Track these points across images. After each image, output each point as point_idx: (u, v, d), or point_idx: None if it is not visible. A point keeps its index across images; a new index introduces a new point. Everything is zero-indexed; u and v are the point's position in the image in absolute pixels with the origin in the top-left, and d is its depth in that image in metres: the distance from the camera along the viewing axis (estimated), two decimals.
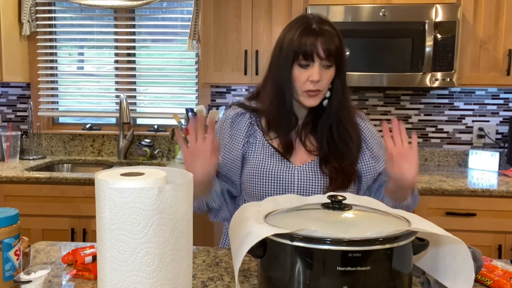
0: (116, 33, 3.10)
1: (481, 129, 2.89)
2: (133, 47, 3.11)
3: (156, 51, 3.16)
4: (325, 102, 1.33)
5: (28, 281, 0.90)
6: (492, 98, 2.88)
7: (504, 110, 2.88)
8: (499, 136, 2.89)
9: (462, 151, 2.90)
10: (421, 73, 2.46)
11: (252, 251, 0.84)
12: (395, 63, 2.48)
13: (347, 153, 1.34)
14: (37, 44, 3.08)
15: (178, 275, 0.79)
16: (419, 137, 2.94)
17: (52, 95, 3.18)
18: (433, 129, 2.93)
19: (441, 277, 0.94)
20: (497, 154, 2.66)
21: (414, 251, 0.86)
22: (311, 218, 0.89)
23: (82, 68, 3.20)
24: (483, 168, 2.70)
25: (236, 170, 1.36)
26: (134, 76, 3.12)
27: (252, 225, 0.84)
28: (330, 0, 2.52)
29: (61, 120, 3.24)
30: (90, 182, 2.42)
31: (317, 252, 0.79)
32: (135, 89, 3.13)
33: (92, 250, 1.12)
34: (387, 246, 0.79)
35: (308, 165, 1.33)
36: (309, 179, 1.32)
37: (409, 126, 2.94)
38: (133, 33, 3.09)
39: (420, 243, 0.87)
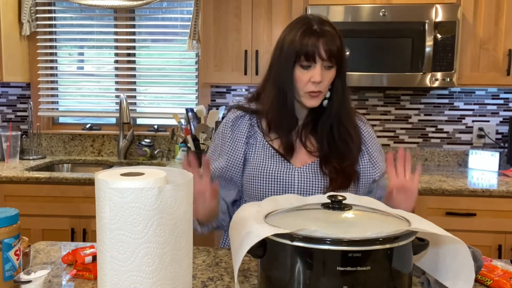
0: (116, 33, 3.10)
1: (481, 129, 2.89)
2: (133, 47, 3.11)
3: (156, 51, 3.16)
4: (325, 102, 1.33)
5: (28, 281, 0.90)
6: (492, 98, 2.88)
7: (504, 110, 2.88)
8: (499, 136, 2.89)
9: (462, 151, 2.90)
10: (421, 73, 2.46)
11: (252, 251, 0.84)
12: (395, 63, 2.48)
13: (348, 153, 1.34)
14: (37, 44, 3.08)
15: (178, 275, 0.79)
16: (419, 137, 2.94)
17: (52, 95, 3.18)
18: (433, 129, 2.93)
19: (441, 277, 0.94)
20: (497, 154, 2.66)
21: (414, 251, 0.86)
22: (311, 218, 0.89)
23: (82, 68, 3.20)
24: (483, 168, 2.70)
25: (239, 173, 1.36)
26: (134, 76, 3.12)
27: (252, 225, 0.84)
28: (330, 0, 2.52)
29: (61, 120, 3.24)
30: (90, 182, 2.42)
31: (317, 252, 0.79)
32: (135, 89, 3.13)
33: (92, 250, 1.12)
34: (387, 246, 0.79)
35: (308, 166, 1.33)
36: (309, 180, 1.32)
37: (409, 126, 2.94)
38: (133, 33, 3.09)
39: (420, 243, 0.87)
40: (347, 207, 0.91)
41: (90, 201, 2.43)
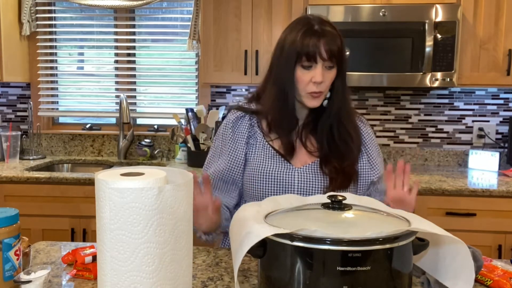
0: (116, 33, 3.10)
1: (481, 129, 2.89)
2: (133, 47, 3.11)
3: (156, 51, 3.16)
4: (325, 102, 1.33)
5: (28, 281, 0.90)
6: (492, 98, 2.88)
7: (504, 110, 2.88)
8: (499, 136, 2.89)
9: (462, 151, 2.90)
10: (421, 73, 2.46)
11: (252, 251, 0.84)
12: (395, 63, 2.48)
13: (348, 153, 1.34)
14: (37, 44, 3.08)
15: (178, 275, 0.79)
16: (419, 137, 2.94)
17: (52, 95, 3.18)
18: (433, 129, 2.93)
19: (441, 277, 0.94)
20: (497, 154, 2.66)
21: (414, 251, 0.86)
22: (311, 218, 0.89)
23: (82, 68, 3.20)
24: (483, 168, 2.70)
25: (240, 173, 1.36)
26: (134, 76, 3.12)
27: (252, 225, 0.84)
28: (330, 0, 2.52)
29: (61, 120, 3.24)
30: (90, 182, 2.42)
31: (317, 252, 0.79)
32: (135, 89, 3.13)
33: (92, 250, 1.12)
34: (387, 246, 0.79)
35: (308, 166, 1.33)
36: (310, 181, 1.32)
37: (409, 126, 2.94)
38: (133, 33, 3.09)
39: (420, 243, 0.87)
40: (347, 207, 0.91)
41: (90, 201, 2.43)
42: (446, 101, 2.91)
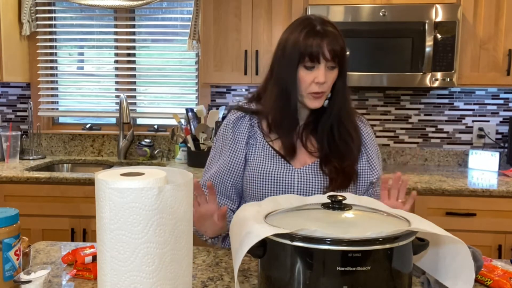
0: (116, 33, 3.10)
1: (481, 129, 2.89)
2: (133, 47, 3.11)
3: (156, 51, 3.16)
4: (326, 102, 1.33)
5: (28, 281, 0.90)
6: (492, 98, 2.88)
7: (504, 110, 2.88)
8: (499, 136, 2.89)
9: (462, 151, 2.90)
10: (421, 73, 2.46)
11: (252, 251, 0.84)
12: (395, 63, 2.48)
13: (348, 153, 1.34)
14: (37, 44, 3.08)
15: (178, 275, 0.79)
16: (418, 137, 2.94)
17: (52, 95, 3.18)
18: (433, 129, 2.93)
19: (441, 277, 0.94)
20: (497, 154, 2.66)
21: (414, 251, 0.86)
22: (311, 218, 0.89)
23: (82, 68, 3.20)
24: (483, 168, 2.70)
25: (240, 174, 1.36)
26: (134, 76, 3.12)
27: (252, 225, 0.84)
28: (330, 0, 2.52)
29: (61, 120, 3.24)
30: (90, 182, 2.42)
31: (317, 252, 0.79)
32: (135, 89, 3.13)
33: (92, 250, 1.12)
34: (387, 246, 0.79)
35: (308, 167, 1.33)
36: (309, 181, 1.32)
37: (409, 126, 2.94)
38: (133, 33, 3.09)
39: (420, 243, 0.87)
40: (347, 207, 0.91)
41: (90, 201, 2.43)
42: (446, 101, 2.91)
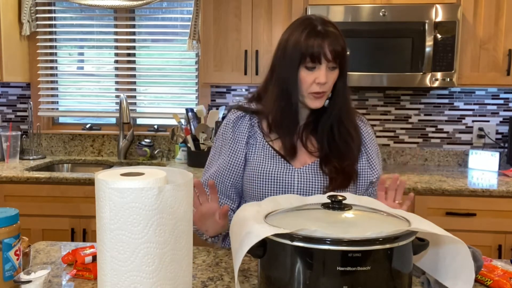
0: (116, 33, 3.10)
1: (481, 129, 2.89)
2: (133, 47, 3.11)
3: (156, 51, 3.16)
4: (326, 102, 1.33)
5: (28, 281, 0.90)
6: (492, 98, 2.88)
7: (504, 110, 2.88)
8: (499, 136, 2.89)
9: (462, 151, 2.90)
10: (421, 73, 2.46)
11: (252, 251, 0.84)
12: (395, 63, 2.48)
13: (348, 153, 1.34)
14: (37, 44, 3.08)
15: (178, 275, 0.79)
16: (419, 137, 2.94)
17: (52, 95, 3.18)
18: (433, 129, 2.93)
19: (441, 277, 0.94)
20: (497, 154, 2.66)
21: (414, 251, 0.86)
22: (311, 218, 0.89)
23: (82, 68, 3.20)
24: (483, 168, 2.70)
25: (240, 173, 1.36)
26: (134, 76, 3.12)
27: (252, 225, 0.84)
28: (330, 0, 2.52)
29: (61, 120, 3.24)
30: (90, 182, 2.42)
31: (317, 252, 0.79)
32: (135, 89, 3.13)
33: (92, 250, 1.12)
34: (387, 246, 0.79)
35: (308, 166, 1.33)
36: (309, 181, 1.32)
37: (409, 126, 2.94)
38: (133, 33, 3.09)
39: (420, 243, 0.87)
40: (347, 207, 0.91)
41: (90, 201, 2.43)
42: (446, 101, 2.91)
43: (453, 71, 2.45)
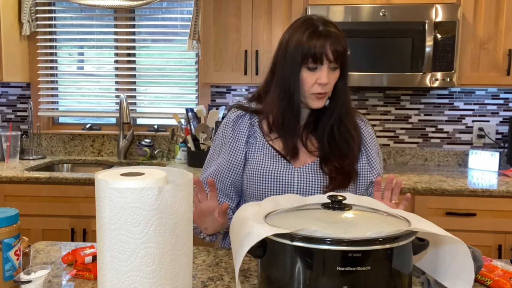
0: (116, 33, 3.10)
1: (481, 129, 2.89)
2: (133, 47, 3.11)
3: (156, 51, 3.16)
4: (327, 102, 1.33)
5: (28, 281, 0.90)
6: (492, 98, 2.88)
7: (504, 110, 2.88)
8: (499, 136, 2.89)
9: (462, 151, 2.90)
10: (421, 73, 2.46)
11: (252, 251, 0.84)
12: (395, 63, 2.48)
13: (348, 153, 1.34)
14: (37, 44, 3.08)
15: (178, 275, 0.79)
16: (419, 137, 2.94)
17: (52, 95, 3.18)
18: (433, 129, 2.93)
19: (441, 277, 0.94)
20: (497, 154, 2.66)
21: (414, 251, 0.86)
22: (311, 218, 0.89)
23: (82, 68, 3.20)
24: (483, 168, 2.70)
25: (240, 173, 1.36)
26: (134, 76, 3.12)
27: (252, 225, 0.84)
28: (330, 0, 2.52)
29: (61, 120, 3.24)
30: (90, 182, 2.42)
31: (317, 252, 0.79)
32: (135, 89, 3.13)
33: (92, 250, 1.12)
34: (387, 246, 0.79)
35: (308, 166, 1.33)
36: (309, 180, 1.32)
37: (409, 126, 2.94)
38: (133, 33, 3.09)
39: (420, 243, 0.87)
40: (347, 207, 0.91)
41: (90, 201, 2.43)
42: (446, 101, 2.91)
43: (453, 71, 2.45)
